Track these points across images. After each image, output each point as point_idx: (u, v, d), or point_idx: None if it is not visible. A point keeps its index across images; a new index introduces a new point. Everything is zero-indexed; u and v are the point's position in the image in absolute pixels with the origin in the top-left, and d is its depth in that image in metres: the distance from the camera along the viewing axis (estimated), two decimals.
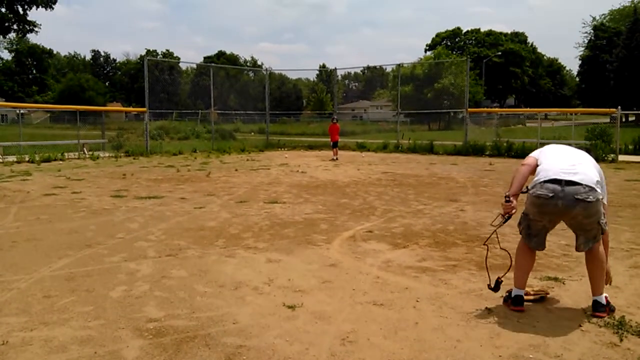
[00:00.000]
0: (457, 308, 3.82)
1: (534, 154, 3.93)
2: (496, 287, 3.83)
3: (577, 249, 3.73)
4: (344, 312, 3.75)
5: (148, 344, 3.20)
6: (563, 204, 3.47)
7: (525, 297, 3.82)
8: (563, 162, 3.63)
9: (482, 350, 3.14)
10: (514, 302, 3.75)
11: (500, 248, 4.10)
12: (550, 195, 3.50)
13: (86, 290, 4.17)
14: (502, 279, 3.81)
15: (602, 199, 3.57)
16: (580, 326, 3.48)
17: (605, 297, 3.65)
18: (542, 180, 3.58)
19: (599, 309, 3.60)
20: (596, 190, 3.48)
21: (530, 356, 3.04)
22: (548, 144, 14.95)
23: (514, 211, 3.71)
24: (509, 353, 3.08)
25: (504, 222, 3.76)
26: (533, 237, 3.76)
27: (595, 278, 3.67)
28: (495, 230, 3.88)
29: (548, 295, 4.01)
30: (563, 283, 4.39)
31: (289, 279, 4.50)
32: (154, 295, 4.06)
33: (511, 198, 3.72)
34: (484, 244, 4.12)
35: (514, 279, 3.82)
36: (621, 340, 3.26)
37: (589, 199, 3.43)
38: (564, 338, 3.27)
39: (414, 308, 3.83)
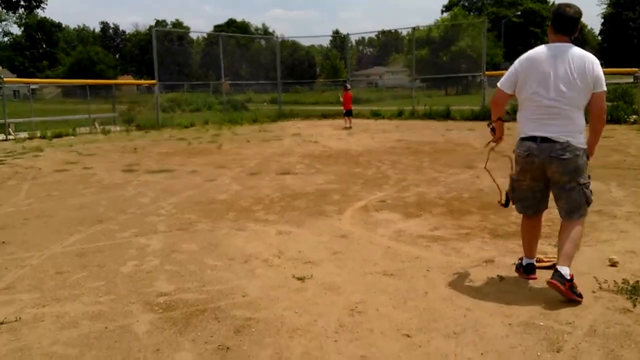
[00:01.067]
0: (468, 277, 3.78)
1: (509, 77, 3.56)
2: (506, 203, 3.81)
3: (559, 213, 3.53)
4: (353, 282, 3.73)
5: (158, 318, 3.21)
6: (539, 161, 3.39)
7: (538, 265, 3.77)
8: (541, 108, 3.38)
9: (491, 319, 3.11)
10: (525, 270, 3.69)
11: (485, 168, 4.05)
12: (526, 153, 3.45)
13: (97, 266, 4.20)
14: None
15: (581, 153, 3.35)
16: (594, 292, 3.43)
17: (571, 275, 3.30)
18: (520, 136, 3.53)
19: (557, 277, 3.25)
20: (572, 145, 3.32)
21: (541, 324, 3.01)
22: None
23: (500, 138, 3.84)
24: (519, 321, 3.05)
25: (494, 146, 3.91)
26: (518, 200, 3.68)
27: (565, 247, 3.38)
28: (488, 154, 3.96)
29: None
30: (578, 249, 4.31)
31: (299, 251, 4.48)
32: (164, 270, 4.08)
33: (493, 125, 3.82)
34: (484, 168, 4.07)
35: (523, 248, 3.77)
36: (634, 305, 3.22)
37: (564, 156, 3.31)
38: (575, 304, 3.22)
39: (424, 277, 3.80)
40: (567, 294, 3.24)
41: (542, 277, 3.59)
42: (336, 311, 3.26)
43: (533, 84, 3.42)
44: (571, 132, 3.34)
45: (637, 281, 3.53)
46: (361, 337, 2.92)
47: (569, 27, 3.40)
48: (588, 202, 3.45)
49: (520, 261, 3.78)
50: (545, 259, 3.89)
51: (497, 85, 3.67)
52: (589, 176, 3.46)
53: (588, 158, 3.45)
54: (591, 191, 3.47)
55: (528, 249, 3.73)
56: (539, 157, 3.38)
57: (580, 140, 3.37)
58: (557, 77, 3.33)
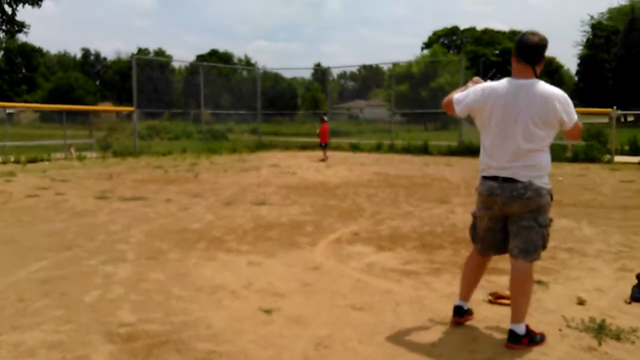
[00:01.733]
0: (437, 312, 3.76)
1: (466, 102, 3.43)
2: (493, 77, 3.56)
3: (510, 252, 3.33)
4: (321, 316, 3.69)
5: (118, 348, 3.13)
6: (501, 200, 3.26)
7: (500, 302, 3.77)
8: (503, 149, 3.24)
9: (456, 354, 3.10)
10: (454, 312, 3.59)
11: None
12: (488, 192, 3.33)
13: (60, 294, 4.09)
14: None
15: (544, 193, 3.21)
16: (560, 330, 3.43)
17: (527, 327, 3.22)
18: (482, 175, 3.41)
19: (512, 339, 3.19)
20: (534, 185, 3.17)
21: None
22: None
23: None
24: (484, 357, 3.04)
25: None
26: (478, 239, 3.54)
27: (516, 301, 3.26)
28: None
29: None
30: (547, 286, 4.33)
31: (268, 282, 4.43)
32: (128, 299, 3.99)
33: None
34: None
35: (460, 288, 3.65)
36: (600, 344, 3.22)
37: (526, 195, 3.17)
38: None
39: (392, 312, 3.77)
40: (529, 347, 3.17)
41: (509, 313, 3.57)
42: (301, 345, 3.21)
43: (491, 120, 3.30)
44: (534, 172, 3.21)
45: (604, 320, 3.53)
46: None
47: (531, 55, 3.22)
48: (544, 246, 3.30)
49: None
50: (508, 296, 3.88)
51: (452, 98, 3.54)
52: (550, 220, 3.32)
53: (551, 199, 3.30)
54: (548, 236, 3.32)
55: (462, 290, 3.61)
56: (500, 197, 3.25)
57: (543, 180, 3.24)
58: (519, 118, 3.19)
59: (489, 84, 3.40)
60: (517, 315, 3.22)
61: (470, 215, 3.64)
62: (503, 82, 3.33)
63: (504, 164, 3.25)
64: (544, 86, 3.20)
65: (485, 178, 3.38)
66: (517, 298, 3.26)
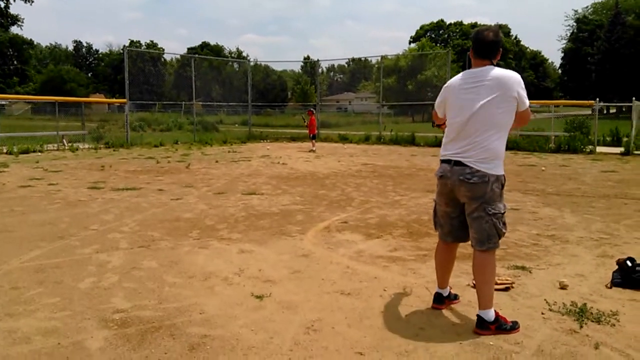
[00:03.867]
0: (423, 296, 3.87)
1: (438, 103, 3.60)
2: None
3: (470, 243, 3.40)
4: (311, 301, 3.78)
5: (112, 334, 3.20)
6: (450, 183, 3.33)
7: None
8: (458, 133, 3.33)
9: (443, 337, 3.19)
10: (433, 299, 3.70)
11: None
12: (440, 174, 3.42)
13: (55, 282, 4.16)
14: None
15: (491, 180, 3.23)
16: (543, 314, 3.54)
17: (496, 312, 3.28)
18: (440, 158, 3.49)
19: (480, 325, 3.25)
20: (481, 172, 3.21)
21: (491, 343, 3.10)
22: (527, 136, 14.89)
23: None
24: (470, 340, 3.14)
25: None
26: (438, 225, 3.62)
27: (480, 289, 3.32)
28: None
29: (513, 285, 4.07)
30: (530, 272, 4.45)
31: (259, 270, 4.52)
32: (122, 287, 4.06)
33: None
34: None
35: (436, 277, 3.75)
36: (581, 327, 3.33)
37: (471, 180, 3.21)
38: (525, 325, 3.33)
39: (380, 297, 3.87)
40: (497, 334, 3.21)
41: (495, 298, 3.67)
42: (292, 329, 3.30)
43: (451, 111, 3.42)
44: (484, 158, 3.23)
45: (585, 304, 3.66)
46: (315, 355, 2.96)
47: (488, 51, 3.30)
48: (499, 234, 3.30)
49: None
50: (498, 282, 3.99)
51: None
52: (504, 206, 3.32)
53: (502, 187, 3.31)
54: (505, 223, 3.32)
55: (440, 277, 3.69)
56: (450, 180, 3.33)
57: (493, 167, 3.24)
58: (474, 104, 3.24)
59: (450, 80, 3.54)
60: (483, 301, 3.28)
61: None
62: (460, 74, 3.44)
63: (458, 149, 3.33)
64: (500, 70, 3.26)
65: (441, 161, 3.47)
66: (479, 285, 3.33)
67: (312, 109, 20.48)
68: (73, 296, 3.85)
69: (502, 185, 3.32)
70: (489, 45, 3.31)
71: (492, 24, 79.55)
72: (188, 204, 7.58)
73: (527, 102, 3.28)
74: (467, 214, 3.36)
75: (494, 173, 3.24)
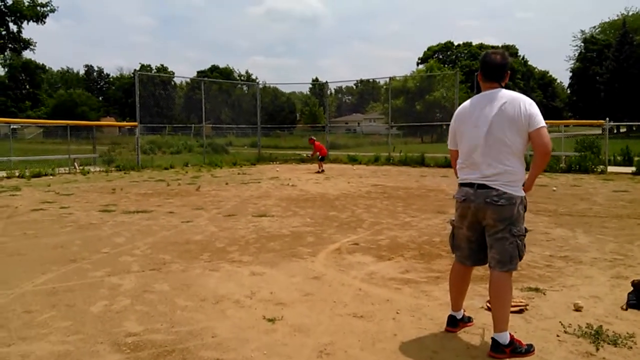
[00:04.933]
0: (437, 319, 3.83)
1: (450, 136, 3.64)
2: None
3: (489, 264, 3.37)
4: (323, 324, 3.76)
5: (125, 358, 3.20)
6: (475, 207, 3.32)
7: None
8: (481, 157, 3.30)
9: None
10: (447, 322, 3.67)
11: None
12: (463, 198, 3.40)
13: (67, 305, 4.17)
14: None
15: (517, 202, 3.24)
16: (558, 336, 3.50)
17: (511, 335, 3.25)
18: (458, 182, 3.49)
19: (495, 349, 3.22)
20: (508, 194, 3.21)
21: None
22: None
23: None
24: None
25: None
26: (457, 248, 3.59)
27: (496, 311, 3.29)
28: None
29: (527, 307, 4.03)
30: (544, 294, 4.41)
31: (271, 292, 4.50)
32: (134, 310, 4.06)
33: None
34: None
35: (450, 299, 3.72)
36: (597, 349, 3.29)
37: (499, 203, 3.20)
38: (540, 348, 3.29)
39: (393, 320, 3.85)
40: (512, 357, 3.17)
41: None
42: (305, 353, 3.28)
43: (465, 137, 3.42)
44: (510, 181, 3.23)
45: (601, 326, 3.62)
46: None
47: (497, 74, 3.33)
48: (520, 256, 3.29)
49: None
50: (513, 303, 3.95)
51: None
52: (525, 229, 3.33)
53: (525, 209, 3.33)
54: (525, 245, 3.33)
55: (452, 301, 3.68)
56: (474, 203, 3.31)
57: (518, 189, 3.26)
58: (486, 128, 3.26)
59: (459, 107, 3.57)
60: (498, 324, 3.25)
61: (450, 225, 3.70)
62: (470, 100, 3.48)
63: (479, 173, 3.32)
64: (509, 92, 3.28)
65: (461, 185, 3.47)
66: (496, 308, 3.30)
67: (312, 137, 20.66)
68: (85, 319, 3.86)
69: (525, 207, 3.33)
70: (497, 68, 3.34)
71: (500, 46, 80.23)
72: (198, 227, 7.60)
73: (541, 120, 3.21)
74: (489, 234, 3.34)
75: (519, 195, 3.26)
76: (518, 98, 3.24)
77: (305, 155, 21.85)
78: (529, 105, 3.21)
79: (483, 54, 3.47)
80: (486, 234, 3.36)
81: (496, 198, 3.22)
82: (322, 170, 18.02)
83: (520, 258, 3.30)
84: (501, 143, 3.23)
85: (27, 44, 45.69)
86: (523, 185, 3.32)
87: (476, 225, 3.40)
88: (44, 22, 43.00)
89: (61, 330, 3.65)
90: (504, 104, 3.23)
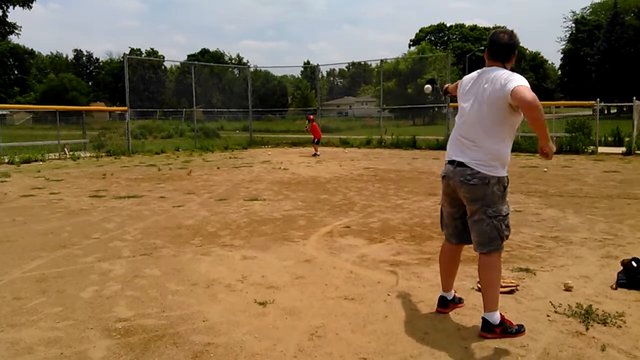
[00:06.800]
0: (427, 301, 3.84)
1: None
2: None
3: (473, 247, 3.39)
4: (314, 307, 3.76)
5: (115, 343, 3.19)
6: (453, 184, 3.33)
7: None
8: (463, 135, 3.32)
9: (448, 341, 3.17)
10: (438, 303, 3.67)
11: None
12: (444, 174, 3.43)
13: (57, 291, 4.14)
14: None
15: (492, 182, 3.19)
16: (548, 316, 3.52)
17: (501, 316, 3.26)
18: (445, 159, 3.48)
19: (485, 328, 3.24)
20: (482, 173, 3.18)
21: (496, 346, 3.08)
22: (529, 137, 14.79)
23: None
24: (475, 344, 3.12)
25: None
26: (445, 226, 3.60)
27: (485, 292, 3.29)
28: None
29: (518, 288, 4.05)
30: (534, 274, 4.42)
31: (262, 276, 4.50)
32: (125, 295, 4.05)
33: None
34: None
35: (440, 280, 3.73)
36: (587, 329, 3.31)
37: (471, 182, 3.20)
38: (530, 328, 3.30)
39: (384, 302, 3.85)
40: (503, 337, 3.19)
41: (499, 300, 3.66)
42: (296, 336, 3.28)
43: (460, 109, 3.43)
44: (485, 160, 3.20)
45: (590, 305, 3.63)
46: None
47: (502, 53, 3.27)
48: (501, 237, 3.25)
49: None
50: (503, 284, 3.97)
51: None
52: (505, 210, 3.27)
53: (505, 189, 3.27)
54: (508, 226, 3.27)
55: (442, 282, 3.68)
56: (452, 180, 3.32)
57: (494, 169, 3.20)
58: (473, 105, 3.27)
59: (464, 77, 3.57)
60: (488, 304, 3.26)
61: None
62: (471, 73, 3.48)
63: (460, 150, 3.32)
64: (504, 71, 3.20)
65: (446, 162, 3.47)
66: (485, 288, 3.31)
67: (312, 114, 20.46)
68: (75, 305, 3.84)
69: (505, 187, 3.27)
70: (502, 47, 3.27)
71: (491, 27, 79.82)
72: (190, 211, 7.57)
73: (517, 81, 3.05)
74: (468, 217, 3.35)
75: (495, 175, 3.20)
76: (505, 74, 3.15)
77: (304, 128, 21.31)
78: (508, 75, 3.12)
79: (492, 32, 3.41)
80: (467, 213, 3.37)
81: (469, 177, 3.21)
82: (318, 154, 17.92)
83: (502, 239, 3.26)
84: (480, 122, 3.22)
85: (12, 28, 45.05)
86: (540, 151, 3.21)
87: (458, 202, 3.41)
88: (31, 7, 42.40)
89: (51, 317, 3.63)
90: (489, 82, 3.19)
